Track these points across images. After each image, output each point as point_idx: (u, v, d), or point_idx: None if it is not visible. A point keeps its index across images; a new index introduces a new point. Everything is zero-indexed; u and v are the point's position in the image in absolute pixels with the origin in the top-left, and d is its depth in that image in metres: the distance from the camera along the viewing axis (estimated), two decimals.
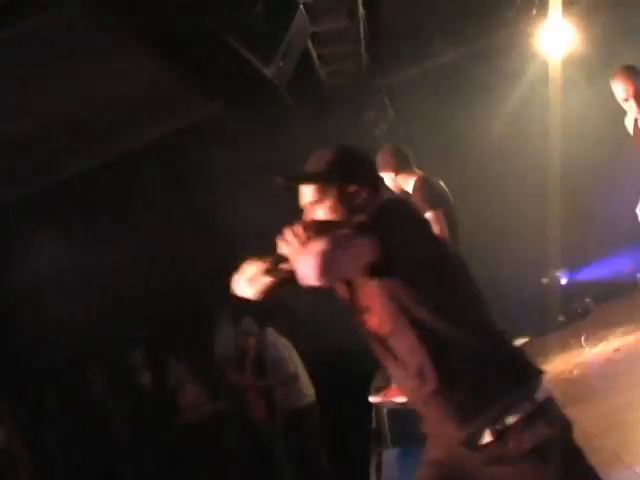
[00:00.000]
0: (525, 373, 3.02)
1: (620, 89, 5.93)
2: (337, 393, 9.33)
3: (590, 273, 10.98)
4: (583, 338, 9.14)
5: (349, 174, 3.20)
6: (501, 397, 2.92)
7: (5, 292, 9.40)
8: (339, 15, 8.20)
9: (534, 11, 10.26)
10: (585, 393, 6.98)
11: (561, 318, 10.62)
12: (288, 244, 3.00)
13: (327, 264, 2.77)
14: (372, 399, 7.37)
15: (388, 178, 6.77)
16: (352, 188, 3.18)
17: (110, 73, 7.52)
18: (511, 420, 2.90)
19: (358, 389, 7.98)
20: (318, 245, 2.79)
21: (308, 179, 3.24)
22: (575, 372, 7.99)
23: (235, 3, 6.32)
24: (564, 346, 9.29)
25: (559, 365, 8.54)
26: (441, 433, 3.06)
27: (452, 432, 2.98)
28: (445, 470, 3.06)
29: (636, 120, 6.16)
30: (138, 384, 10.12)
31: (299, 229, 3.02)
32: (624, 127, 6.30)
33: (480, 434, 2.92)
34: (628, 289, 10.00)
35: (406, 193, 6.72)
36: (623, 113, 6.19)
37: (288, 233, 3.00)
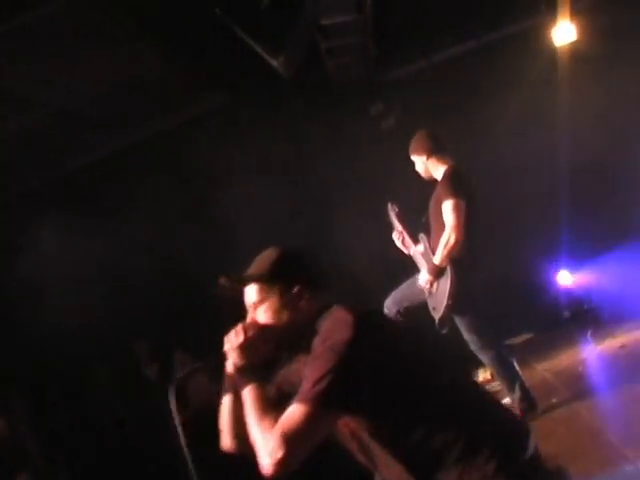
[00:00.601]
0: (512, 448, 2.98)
1: None
2: None
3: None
4: (589, 333, 9.14)
5: (292, 275, 3.26)
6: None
7: (7, 287, 9.40)
8: (347, 8, 8.17)
9: (543, 5, 10.25)
10: (590, 389, 6.98)
11: (566, 314, 10.60)
12: (230, 342, 3.24)
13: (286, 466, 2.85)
14: None
15: (419, 161, 6.86)
16: (295, 289, 3.22)
17: (115, 65, 7.52)
18: None
19: None
20: (275, 451, 2.82)
21: (250, 279, 3.30)
22: (580, 368, 7.99)
23: None
24: (570, 342, 9.29)
25: (564, 361, 8.54)
26: None
27: None
28: None
29: None
30: (144, 376, 10.11)
31: (241, 329, 3.20)
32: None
33: None
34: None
35: (435, 180, 6.77)
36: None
37: (232, 333, 3.21)
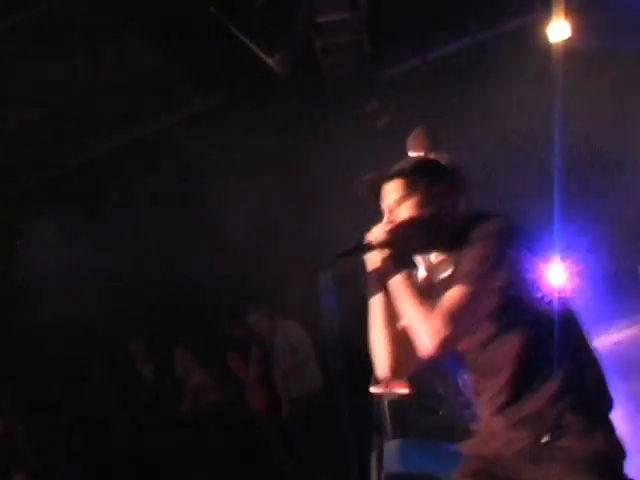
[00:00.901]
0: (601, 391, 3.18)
1: None
2: (337, 384, 9.33)
3: None
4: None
5: (437, 174, 3.34)
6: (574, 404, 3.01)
7: (4, 286, 9.40)
8: (342, 6, 8.18)
9: (537, 3, 10.26)
10: None
11: None
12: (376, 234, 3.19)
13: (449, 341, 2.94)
14: (373, 390, 7.37)
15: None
16: (440, 188, 3.27)
17: (111, 63, 7.53)
18: (574, 424, 2.98)
19: (359, 380, 7.99)
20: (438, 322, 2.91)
21: (398, 174, 3.29)
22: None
23: None
24: None
25: None
26: (502, 435, 3.10)
27: (516, 436, 3.04)
28: (490, 468, 3.13)
29: None
30: (140, 375, 10.12)
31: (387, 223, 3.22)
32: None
33: (543, 436, 2.99)
34: (630, 282, 9.98)
35: None
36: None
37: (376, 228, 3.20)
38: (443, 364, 5.92)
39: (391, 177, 3.29)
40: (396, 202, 3.26)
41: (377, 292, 3.30)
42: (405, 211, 3.25)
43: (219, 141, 8.90)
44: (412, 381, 7.05)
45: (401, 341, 3.19)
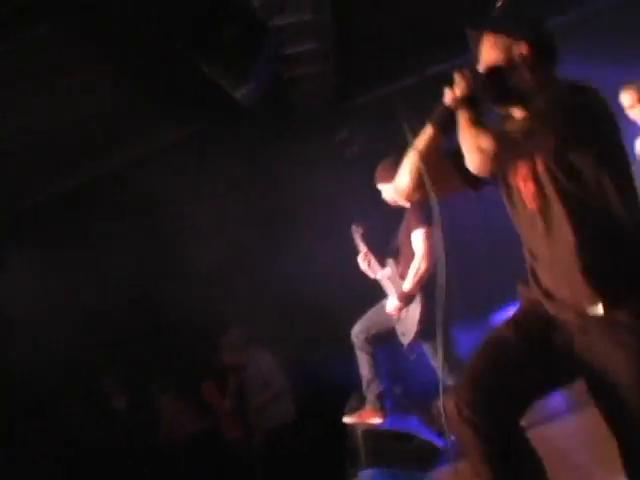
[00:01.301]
0: None
1: (627, 99, 6.19)
2: (311, 413, 9.31)
3: None
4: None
5: (528, 30, 3.62)
6: None
7: None
8: (309, 37, 8.21)
9: None
10: (555, 412, 6.99)
11: None
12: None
13: (492, 165, 3.32)
14: (346, 420, 7.38)
15: (387, 189, 6.82)
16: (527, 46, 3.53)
17: (78, 96, 7.50)
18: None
19: (332, 410, 7.98)
20: (486, 143, 3.26)
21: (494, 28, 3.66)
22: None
23: (205, 27, 6.33)
24: None
25: None
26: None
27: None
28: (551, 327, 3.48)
29: None
30: (112, 409, 10.05)
31: (468, 73, 3.53)
32: None
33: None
34: None
35: (405, 207, 6.79)
36: None
37: (458, 76, 3.54)
38: None
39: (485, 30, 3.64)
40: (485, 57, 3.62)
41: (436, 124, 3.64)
42: (489, 54, 3.60)
43: (188, 172, 8.91)
44: (384, 410, 7.07)
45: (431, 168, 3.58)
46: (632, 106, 6.36)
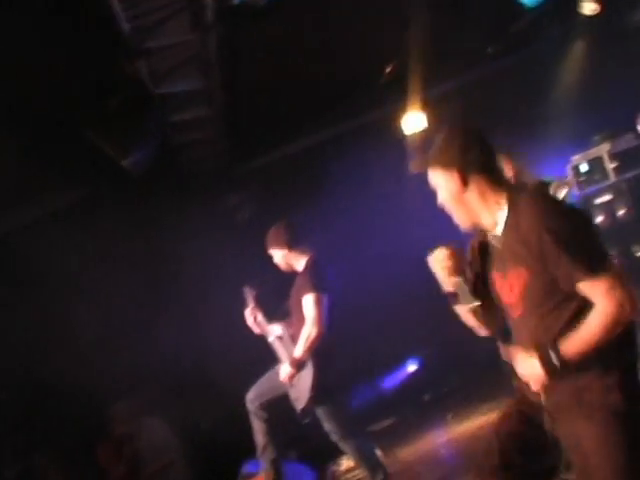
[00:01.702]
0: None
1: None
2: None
3: None
4: (450, 416, 9.24)
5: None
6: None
7: None
8: (198, 103, 8.24)
9: (394, 96, 10.56)
10: (453, 472, 7.05)
11: (427, 397, 10.71)
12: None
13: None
14: None
15: (279, 254, 6.83)
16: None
17: None
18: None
19: (227, 476, 7.92)
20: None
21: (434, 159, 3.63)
22: (442, 451, 8.06)
23: (91, 96, 6.32)
24: (431, 425, 9.37)
25: (426, 445, 8.61)
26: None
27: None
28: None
29: None
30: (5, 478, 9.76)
31: None
32: None
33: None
34: (492, 365, 10.16)
35: (296, 272, 6.80)
36: None
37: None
38: None
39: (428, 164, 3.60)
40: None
41: None
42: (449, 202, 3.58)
43: (75, 237, 8.78)
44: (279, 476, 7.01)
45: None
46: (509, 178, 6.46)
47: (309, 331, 6.52)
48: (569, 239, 3.21)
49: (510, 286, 3.44)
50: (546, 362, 3.22)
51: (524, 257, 3.30)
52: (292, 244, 6.82)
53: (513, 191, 3.44)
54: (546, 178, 6.45)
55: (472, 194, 3.46)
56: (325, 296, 6.56)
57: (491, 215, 3.46)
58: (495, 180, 3.47)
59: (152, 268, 9.87)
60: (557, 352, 3.21)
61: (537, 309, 3.36)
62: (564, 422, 3.39)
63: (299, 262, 6.83)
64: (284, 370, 6.75)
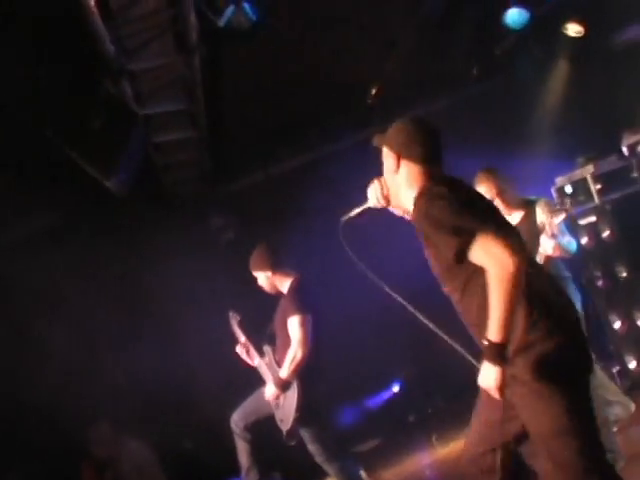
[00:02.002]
0: None
1: (483, 191, 6.23)
2: None
3: None
4: (434, 438, 9.21)
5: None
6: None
7: None
8: (182, 125, 8.25)
9: (377, 118, 10.60)
10: None
11: (411, 418, 10.70)
12: None
13: None
14: None
15: (263, 276, 6.81)
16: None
17: None
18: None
19: None
20: None
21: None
22: (427, 472, 8.04)
23: (74, 116, 6.30)
24: (415, 447, 9.34)
25: (411, 466, 8.59)
26: None
27: None
28: None
29: None
30: None
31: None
32: None
33: None
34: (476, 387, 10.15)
35: (281, 293, 6.78)
36: None
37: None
38: None
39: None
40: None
41: None
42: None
43: (58, 261, 8.74)
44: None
45: None
46: (492, 199, 6.47)
47: (294, 352, 6.51)
48: (439, 219, 3.54)
49: (430, 263, 3.80)
50: (493, 359, 3.39)
51: (425, 240, 3.70)
52: (275, 266, 6.81)
53: (430, 184, 3.78)
54: (531, 197, 6.53)
55: (401, 177, 3.89)
56: (310, 317, 6.56)
57: (410, 201, 3.80)
58: (425, 173, 3.84)
59: (133, 288, 9.84)
60: (492, 344, 3.38)
61: (451, 284, 3.71)
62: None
63: (283, 284, 6.81)
64: (269, 390, 6.73)
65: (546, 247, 6.12)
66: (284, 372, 6.59)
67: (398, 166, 3.87)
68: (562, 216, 6.15)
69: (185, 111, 7.97)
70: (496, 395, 3.42)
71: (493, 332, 3.35)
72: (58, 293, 9.15)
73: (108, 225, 9.31)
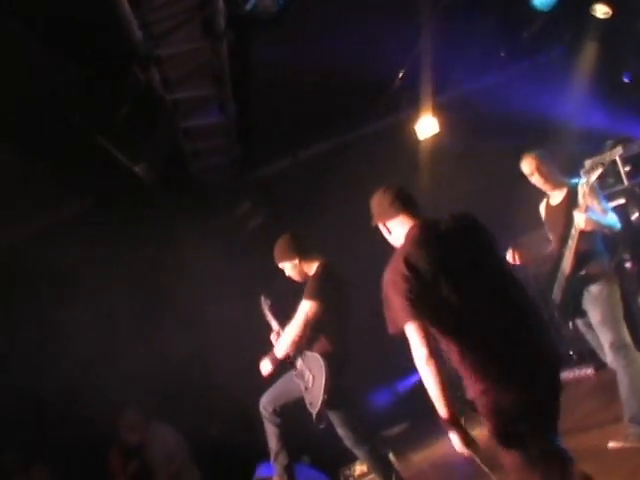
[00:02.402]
0: None
1: (525, 167, 6.40)
2: None
3: None
4: (462, 420, 9.17)
5: None
6: None
7: None
8: (211, 110, 8.25)
9: (404, 102, 10.59)
10: (466, 478, 7.02)
11: None
12: None
13: None
14: None
15: (290, 266, 6.83)
16: None
17: None
18: None
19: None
20: None
21: None
22: (455, 457, 8.01)
23: (103, 102, 6.34)
24: (444, 430, 9.31)
25: (440, 450, 8.57)
26: None
27: None
28: None
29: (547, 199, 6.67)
30: None
31: None
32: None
33: None
34: None
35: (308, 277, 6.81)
36: None
37: None
38: None
39: None
40: None
41: None
42: None
43: (89, 247, 8.79)
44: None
45: None
46: (532, 173, 6.52)
47: (291, 330, 6.59)
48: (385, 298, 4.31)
49: None
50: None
51: None
52: (302, 252, 6.84)
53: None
54: (575, 179, 6.53)
55: (395, 234, 4.55)
56: (320, 305, 6.56)
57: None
58: (405, 219, 4.45)
59: (160, 273, 9.88)
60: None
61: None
62: None
63: (311, 268, 6.83)
64: (263, 366, 6.81)
65: (579, 221, 6.14)
66: (278, 349, 6.70)
67: (388, 230, 4.55)
68: (599, 171, 6.15)
69: (213, 97, 7.98)
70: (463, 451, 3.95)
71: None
72: (86, 279, 9.20)
73: (137, 211, 9.34)
